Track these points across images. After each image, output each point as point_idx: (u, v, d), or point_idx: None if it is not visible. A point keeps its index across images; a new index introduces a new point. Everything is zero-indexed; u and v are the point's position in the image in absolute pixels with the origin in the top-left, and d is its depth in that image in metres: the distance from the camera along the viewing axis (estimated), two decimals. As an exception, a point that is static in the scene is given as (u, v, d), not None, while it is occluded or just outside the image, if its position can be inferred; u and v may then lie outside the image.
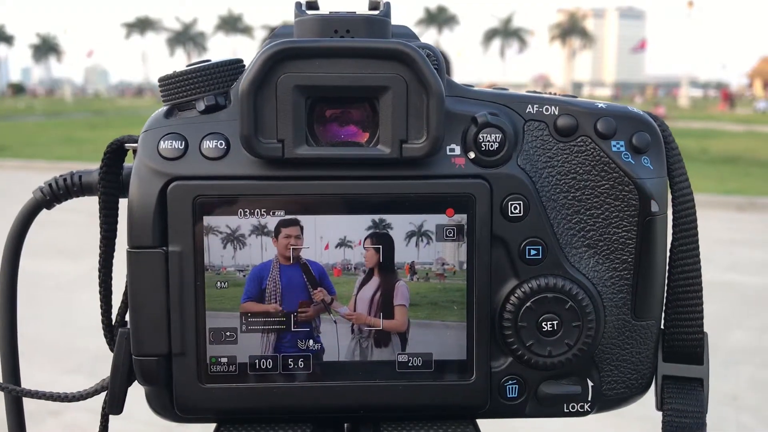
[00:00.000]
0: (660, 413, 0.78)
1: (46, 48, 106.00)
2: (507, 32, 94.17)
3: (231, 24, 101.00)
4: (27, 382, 0.84)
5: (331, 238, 0.71)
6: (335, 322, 0.73)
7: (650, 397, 0.81)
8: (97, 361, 4.42)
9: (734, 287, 6.13)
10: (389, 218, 0.71)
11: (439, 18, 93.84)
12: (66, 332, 4.96)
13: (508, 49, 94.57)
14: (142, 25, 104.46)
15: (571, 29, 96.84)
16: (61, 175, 0.80)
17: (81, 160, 14.47)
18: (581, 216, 0.75)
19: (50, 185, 0.80)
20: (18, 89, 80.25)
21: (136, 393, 0.79)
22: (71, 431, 3.60)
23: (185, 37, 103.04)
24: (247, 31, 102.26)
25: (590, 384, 0.76)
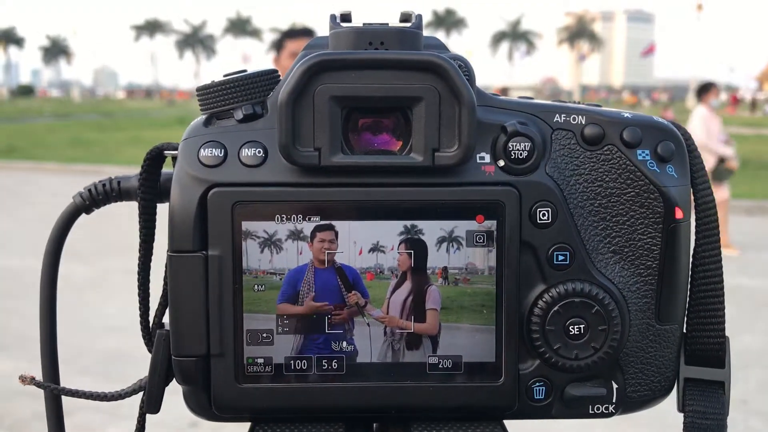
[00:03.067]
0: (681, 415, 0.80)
1: (56, 50, 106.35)
2: (515, 35, 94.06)
3: (239, 27, 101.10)
4: None
5: (365, 243, 0.73)
6: (368, 324, 0.74)
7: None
8: (106, 363, 4.45)
9: (743, 291, 6.13)
10: (421, 224, 0.73)
11: (447, 21, 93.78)
12: (75, 334, 4.97)
13: (516, 52, 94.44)
14: (151, 27, 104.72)
15: (580, 32, 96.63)
16: (100, 181, 0.82)
17: (90, 162, 14.53)
18: (607, 223, 0.76)
19: (89, 190, 0.81)
20: (26, 91, 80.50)
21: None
22: (82, 431, 3.62)
23: (194, 40, 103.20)
24: (255, 33, 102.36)
25: (615, 386, 0.78)
